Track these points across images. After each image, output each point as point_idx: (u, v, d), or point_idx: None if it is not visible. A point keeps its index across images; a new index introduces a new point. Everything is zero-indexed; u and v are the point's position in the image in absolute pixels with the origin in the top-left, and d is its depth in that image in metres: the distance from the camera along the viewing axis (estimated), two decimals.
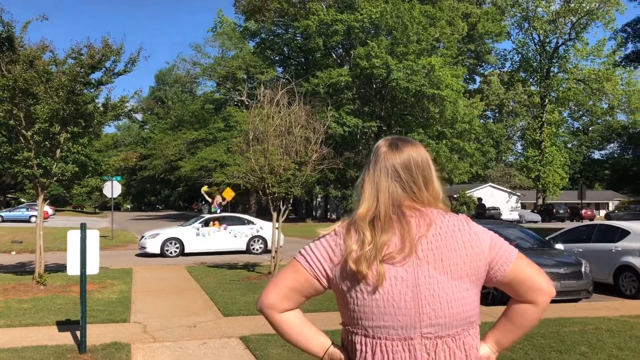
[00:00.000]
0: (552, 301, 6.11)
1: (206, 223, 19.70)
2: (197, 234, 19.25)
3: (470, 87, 63.70)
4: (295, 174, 12.42)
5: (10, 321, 7.83)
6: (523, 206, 61.15)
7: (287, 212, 13.03)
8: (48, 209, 46.89)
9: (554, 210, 49.27)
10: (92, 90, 11.29)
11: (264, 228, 19.81)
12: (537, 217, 47.60)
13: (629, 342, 6.73)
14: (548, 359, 6.06)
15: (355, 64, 44.65)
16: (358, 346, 1.58)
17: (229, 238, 19.57)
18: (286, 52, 56.97)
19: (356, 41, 46.75)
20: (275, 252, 12.50)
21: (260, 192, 13.00)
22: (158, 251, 18.49)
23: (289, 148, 12.56)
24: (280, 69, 58.24)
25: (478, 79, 70.15)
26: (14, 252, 19.83)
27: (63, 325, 7.62)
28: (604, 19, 51.03)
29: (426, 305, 1.52)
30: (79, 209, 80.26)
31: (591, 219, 45.93)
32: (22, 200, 67.09)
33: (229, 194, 42.87)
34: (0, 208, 54.09)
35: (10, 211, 44.72)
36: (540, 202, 55.40)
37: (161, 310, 8.84)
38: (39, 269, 10.94)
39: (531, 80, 59.09)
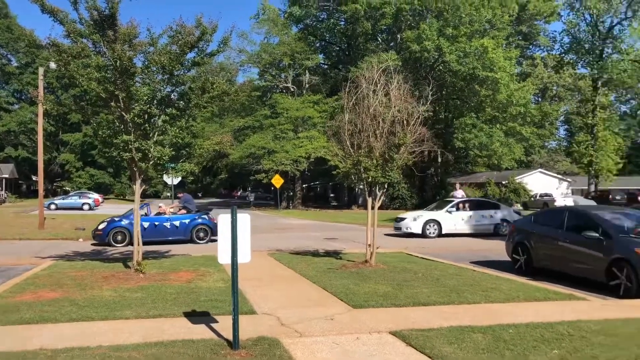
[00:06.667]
0: None
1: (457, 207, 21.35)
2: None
3: (517, 70, 61.86)
4: (392, 157, 11.75)
5: (135, 311, 7.42)
6: (572, 192, 59.23)
7: (382, 197, 12.39)
8: (98, 196, 47.41)
9: (610, 197, 47.46)
10: (186, 71, 10.82)
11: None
12: (593, 204, 45.91)
13: None
14: None
15: (404, 47, 43.57)
16: None
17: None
18: (327, 38, 56.10)
19: (404, 24, 45.64)
20: (373, 238, 11.91)
21: (353, 177, 12.37)
22: (420, 231, 20.41)
23: (383, 130, 11.88)
24: (321, 55, 57.46)
25: (522, 62, 68.14)
26: (81, 239, 19.71)
27: (193, 317, 7.18)
28: None
29: None
30: (121, 197, 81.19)
31: None
32: (67, 188, 68.32)
33: (277, 181, 42.64)
34: (48, 196, 55.01)
35: (63, 199, 45.23)
36: (592, 188, 53.58)
37: (281, 301, 8.33)
38: (138, 257, 10.61)
39: (581, 62, 56.91)
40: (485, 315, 7.31)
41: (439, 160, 53.92)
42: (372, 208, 12.18)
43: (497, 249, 14.93)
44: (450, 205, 21.37)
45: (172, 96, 10.37)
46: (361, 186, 12.46)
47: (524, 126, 43.68)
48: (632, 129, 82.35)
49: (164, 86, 10.02)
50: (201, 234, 18.19)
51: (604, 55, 52.44)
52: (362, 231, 18.74)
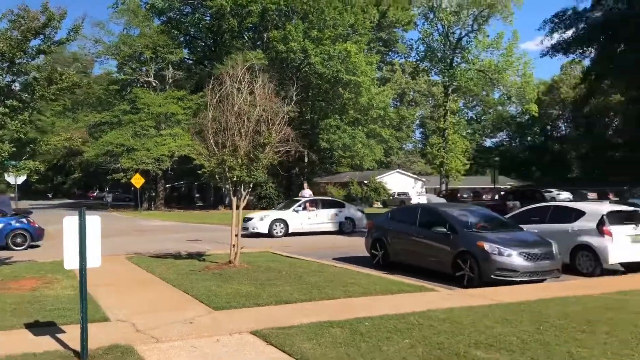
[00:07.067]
0: (521, 282, 8.01)
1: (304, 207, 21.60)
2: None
3: (377, 75, 65.01)
4: (258, 156, 11.71)
5: None
6: (426, 191, 63.60)
7: (247, 197, 12.30)
8: None
9: (459, 195, 51.66)
10: (30, 60, 9.90)
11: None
12: (443, 201, 49.55)
13: (635, 319, 6.94)
14: (578, 339, 6.06)
15: (271, 47, 43.79)
16: None
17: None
18: (192, 32, 54.62)
19: (271, 24, 45.86)
20: (237, 238, 11.78)
21: (218, 176, 12.14)
22: (267, 231, 20.32)
23: (248, 129, 11.79)
24: (186, 50, 55.82)
25: (383, 67, 71.78)
26: None
27: (36, 328, 6.56)
28: (502, 13, 53.92)
29: None
30: None
31: None
32: None
33: (138, 180, 40.67)
34: None
35: None
36: (443, 187, 57.92)
37: (137, 306, 7.93)
38: None
39: (435, 70, 61.23)
40: (344, 309, 7.54)
41: (305, 160, 54.93)
42: (237, 208, 12.05)
43: (358, 245, 15.52)
44: (297, 204, 21.65)
45: (14, 86, 9.43)
46: (227, 186, 12.28)
47: (384, 128, 46.04)
48: (477, 133, 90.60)
49: (4, 75, 9.08)
50: (18, 240, 16.27)
51: (454, 64, 56.86)
52: (228, 232, 18.35)
